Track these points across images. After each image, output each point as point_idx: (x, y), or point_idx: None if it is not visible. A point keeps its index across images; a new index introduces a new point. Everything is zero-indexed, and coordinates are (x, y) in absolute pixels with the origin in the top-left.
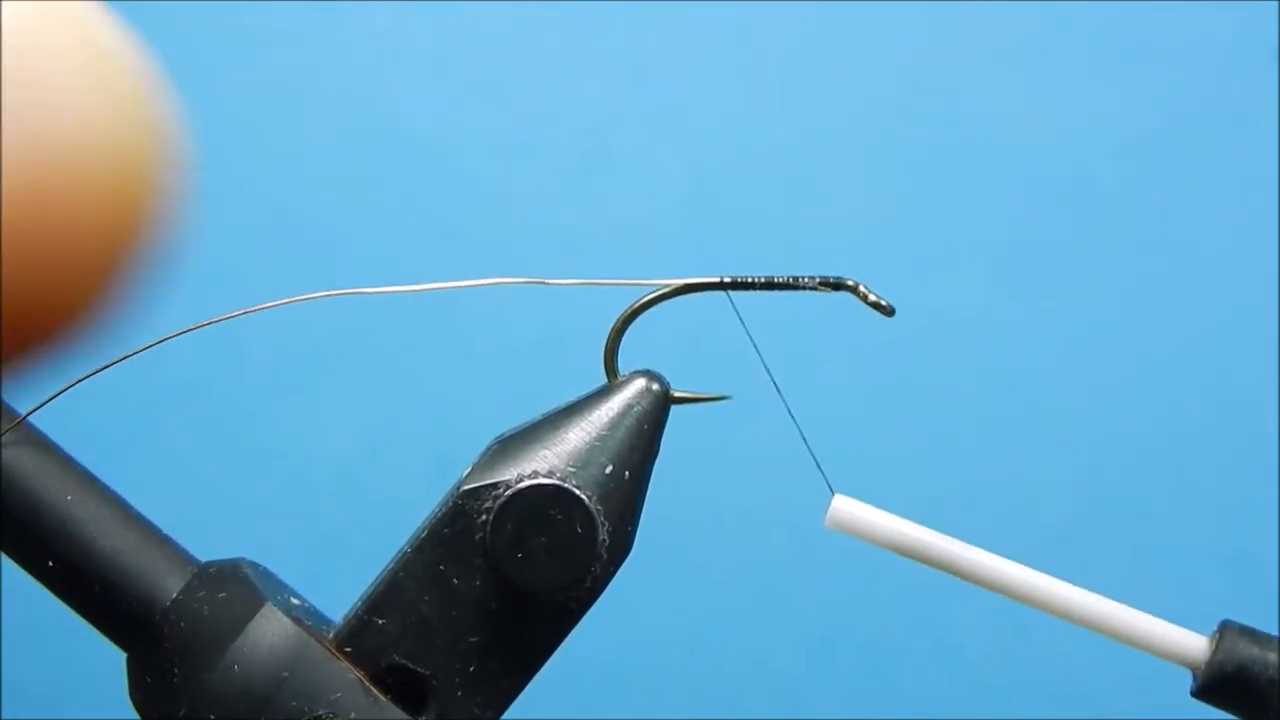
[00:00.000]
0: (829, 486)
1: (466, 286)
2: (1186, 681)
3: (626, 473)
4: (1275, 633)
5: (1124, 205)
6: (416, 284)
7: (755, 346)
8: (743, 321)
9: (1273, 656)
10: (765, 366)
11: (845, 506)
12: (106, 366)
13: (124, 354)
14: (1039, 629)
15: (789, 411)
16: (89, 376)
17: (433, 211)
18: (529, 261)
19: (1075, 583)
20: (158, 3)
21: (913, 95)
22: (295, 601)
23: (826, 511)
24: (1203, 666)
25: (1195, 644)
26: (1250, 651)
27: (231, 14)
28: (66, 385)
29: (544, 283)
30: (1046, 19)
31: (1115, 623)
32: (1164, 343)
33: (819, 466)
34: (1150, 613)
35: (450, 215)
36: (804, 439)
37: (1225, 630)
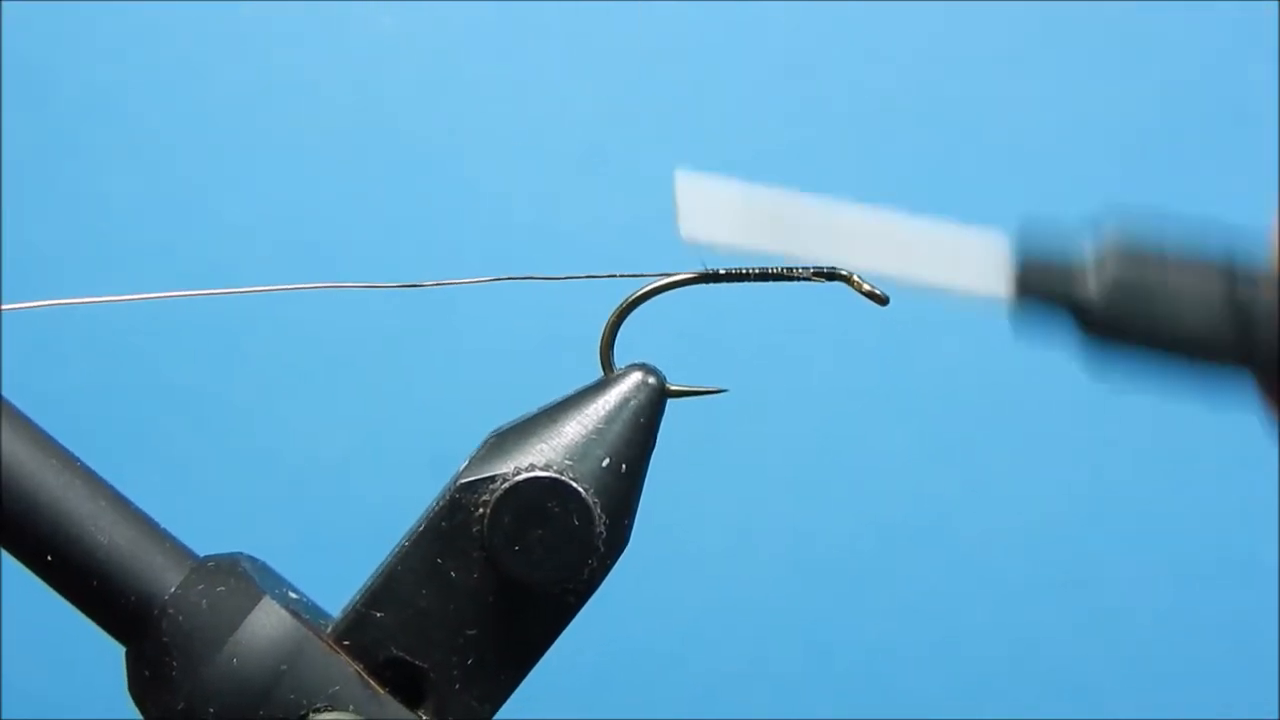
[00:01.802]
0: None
1: (467, 284)
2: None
3: (623, 466)
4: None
5: (1124, 205)
6: (416, 282)
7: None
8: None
9: (1074, 281)
10: None
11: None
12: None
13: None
14: (1039, 629)
15: None
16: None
17: (433, 211)
18: (527, 260)
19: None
20: (158, 3)
21: (913, 95)
22: (293, 595)
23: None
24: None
25: (996, 267)
26: (1050, 275)
27: (231, 14)
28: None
29: (544, 279)
30: (1047, 19)
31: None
32: None
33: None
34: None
35: (450, 215)
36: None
37: (1023, 257)
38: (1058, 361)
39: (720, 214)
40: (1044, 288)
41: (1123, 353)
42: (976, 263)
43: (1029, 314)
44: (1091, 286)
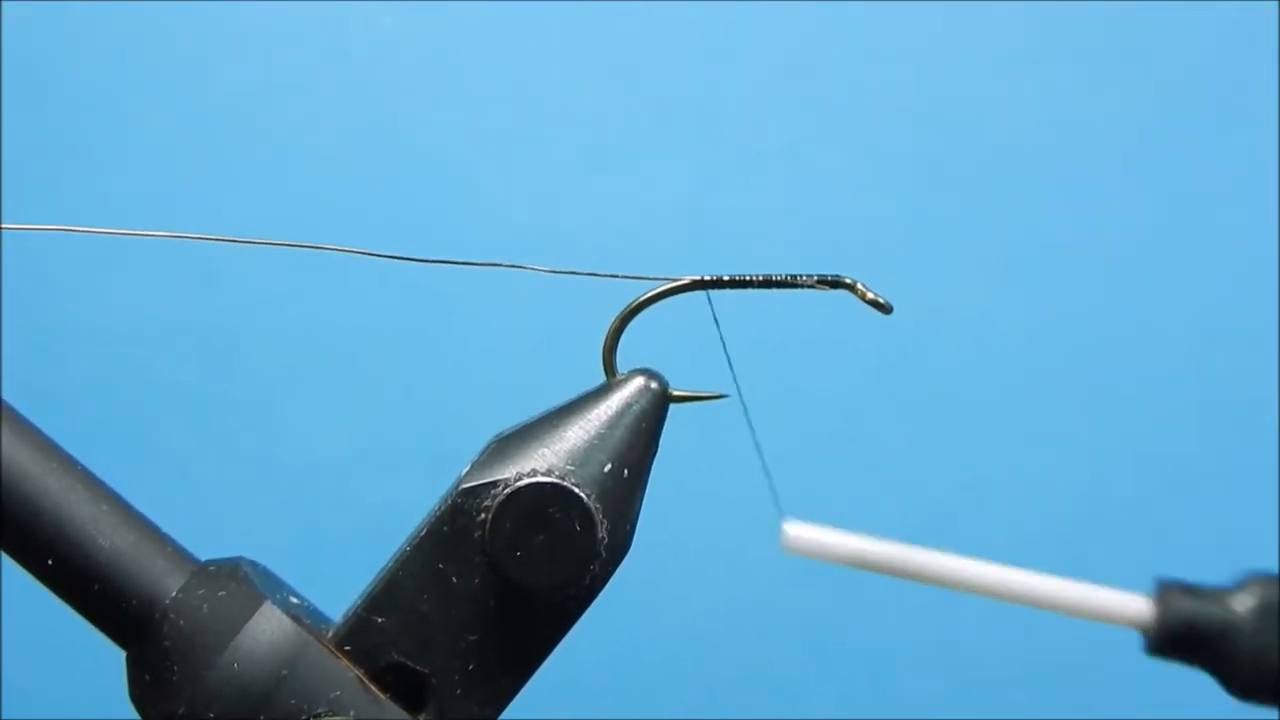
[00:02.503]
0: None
1: (462, 265)
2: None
3: (625, 471)
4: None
5: (1124, 205)
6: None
7: (726, 352)
8: (718, 323)
9: (1213, 607)
10: (734, 378)
11: (797, 532)
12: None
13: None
14: (1038, 629)
15: (751, 431)
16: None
17: (433, 211)
18: (529, 261)
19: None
20: (158, 3)
21: (913, 94)
22: (294, 600)
23: (781, 538)
24: (1152, 624)
25: (1139, 604)
26: (1191, 603)
27: (231, 14)
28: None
29: (544, 270)
30: (1047, 19)
31: (1064, 597)
32: (1164, 342)
33: (773, 492)
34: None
35: (450, 215)
36: (762, 461)
37: (1164, 589)
38: (1058, 361)
39: (825, 553)
40: (1187, 610)
41: (1270, 686)
42: (1117, 598)
43: (1170, 645)
44: (1237, 609)
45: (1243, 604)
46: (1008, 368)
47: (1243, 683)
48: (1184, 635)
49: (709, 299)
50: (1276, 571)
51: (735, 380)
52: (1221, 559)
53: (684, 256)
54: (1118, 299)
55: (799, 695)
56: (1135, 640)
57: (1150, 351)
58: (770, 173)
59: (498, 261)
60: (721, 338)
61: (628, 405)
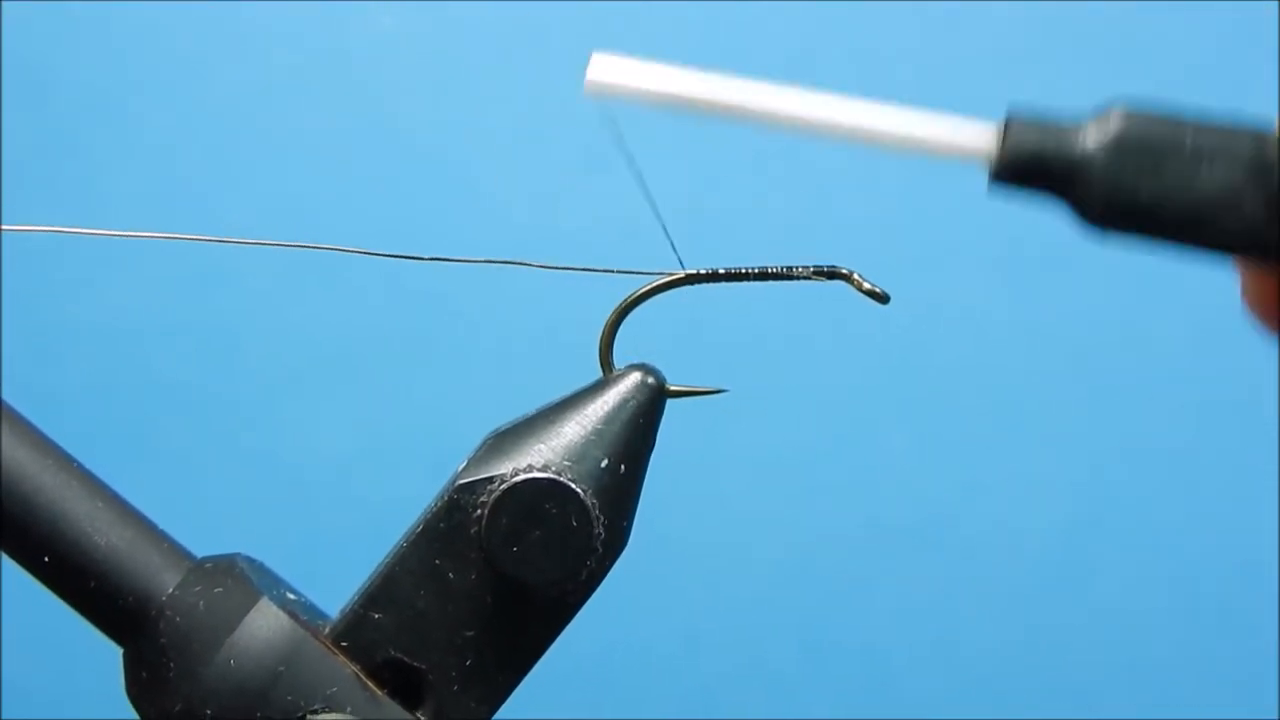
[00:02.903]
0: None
1: (459, 263)
2: None
3: (622, 467)
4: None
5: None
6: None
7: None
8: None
9: (1064, 138)
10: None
11: (602, 68)
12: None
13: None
14: (1038, 629)
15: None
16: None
17: (433, 210)
18: (527, 258)
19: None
20: (158, 3)
21: (913, 95)
22: (291, 596)
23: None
24: (995, 157)
25: (982, 134)
26: (1038, 135)
27: (231, 14)
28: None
29: (542, 266)
30: (1047, 19)
31: (897, 128)
32: (1164, 341)
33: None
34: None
35: (450, 214)
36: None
37: (1010, 120)
38: (1057, 362)
39: (637, 80)
40: (1034, 145)
41: (1121, 223)
42: (957, 127)
43: (1015, 177)
44: (1090, 142)
45: (1097, 137)
46: (1005, 363)
47: (1094, 216)
48: (1030, 167)
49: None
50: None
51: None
52: (1221, 559)
53: (683, 255)
54: (1117, 299)
55: (797, 694)
56: (1135, 637)
57: (1150, 351)
58: (770, 173)
59: (493, 258)
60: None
61: (624, 400)
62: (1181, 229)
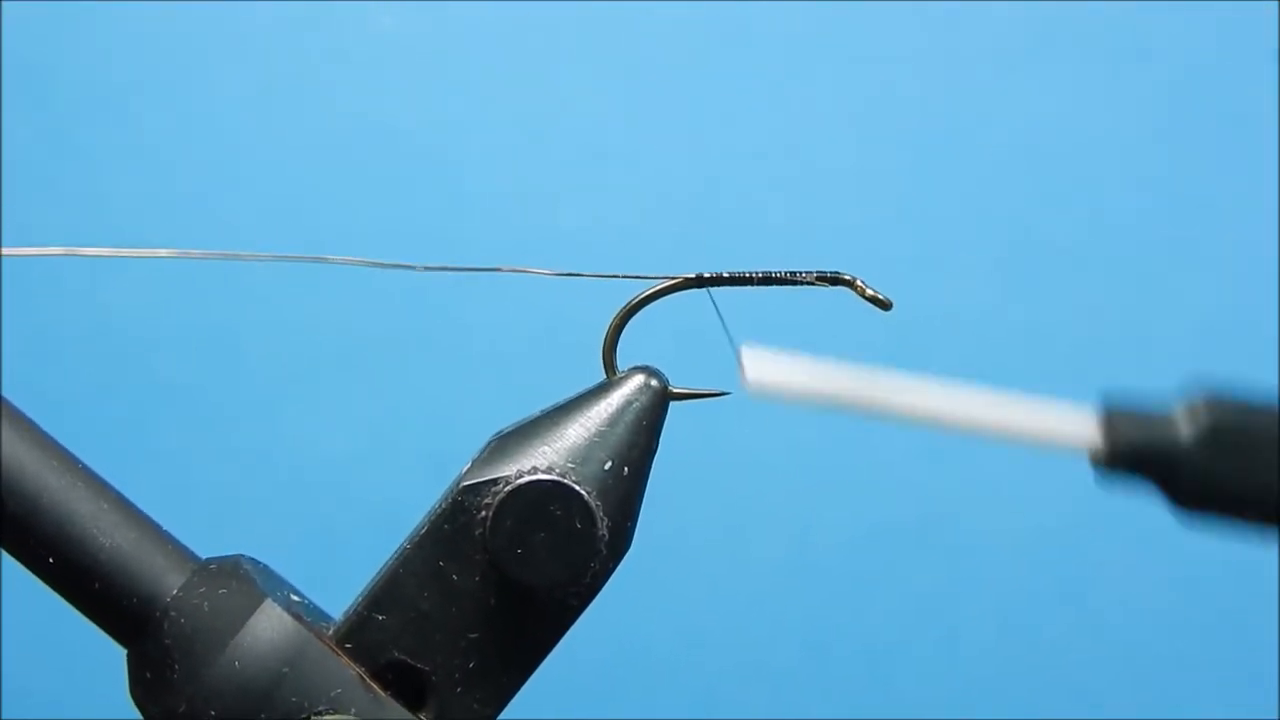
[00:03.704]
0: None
1: (460, 271)
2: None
3: (625, 469)
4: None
5: (1124, 205)
6: (414, 282)
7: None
8: (719, 311)
9: (1160, 431)
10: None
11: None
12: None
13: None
14: (1038, 629)
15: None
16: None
17: (432, 211)
18: (529, 260)
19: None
20: (158, 3)
21: (913, 95)
22: (295, 598)
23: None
24: (1098, 450)
25: (1085, 427)
26: (1137, 429)
27: (231, 14)
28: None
29: (542, 273)
30: (1047, 19)
31: (1005, 421)
32: (1164, 341)
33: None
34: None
35: (450, 214)
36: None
37: (1110, 412)
38: (1057, 362)
39: (789, 379)
40: (1133, 440)
41: (1211, 512)
42: (1061, 419)
43: (1116, 467)
44: (1184, 435)
45: (1190, 427)
46: (1006, 363)
47: (1189, 504)
48: (1130, 461)
49: (709, 294)
50: (1221, 389)
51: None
52: (1221, 559)
53: (684, 256)
54: (1117, 298)
55: (799, 694)
56: (1135, 637)
57: (1150, 351)
58: (770, 173)
59: (499, 266)
60: (723, 322)
61: (628, 403)
62: (1270, 517)
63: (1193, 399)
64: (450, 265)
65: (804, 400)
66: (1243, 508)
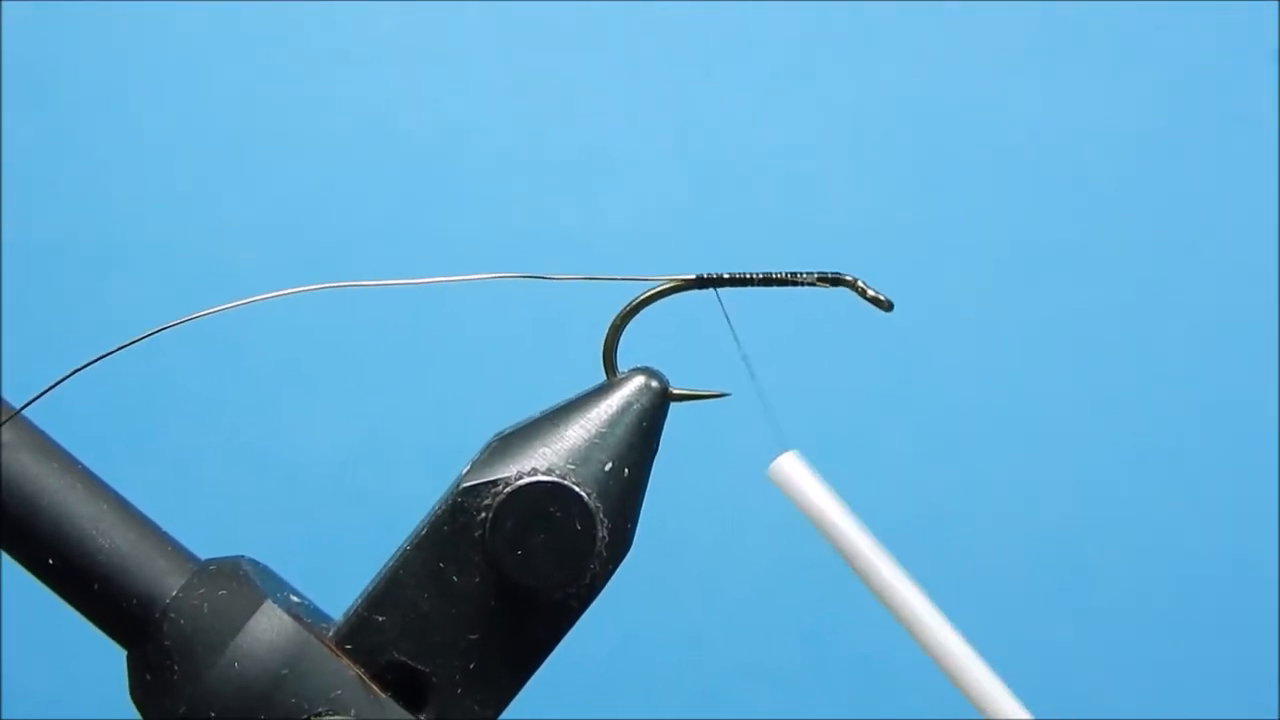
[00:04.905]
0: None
1: (464, 281)
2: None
3: (626, 470)
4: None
5: (1124, 205)
6: (415, 280)
7: (735, 337)
8: (727, 317)
9: None
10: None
11: (789, 465)
12: (100, 358)
13: (118, 346)
14: (1038, 629)
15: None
16: (84, 368)
17: (432, 211)
18: (529, 261)
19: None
20: (158, 3)
21: (913, 95)
22: (295, 599)
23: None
24: None
25: None
26: None
27: (231, 14)
28: (61, 378)
29: (544, 278)
30: (1047, 19)
31: (970, 677)
32: (1164, 341)
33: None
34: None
35: (450, 215)
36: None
37: None
38: (1057, 362)
39: (803, 493)
40: None
41: None
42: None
43: None
44: None
45: None
46: (1006, 363)
47: None
48: None
49: (717, 295)
50: None
51: (748, 367)
52: (1222, 559)
53: (684, 256)
54: (1117, 298)
55: (798, 694)
56: (1135, 637)
57: (1150, 351)
58: (770, 173)
59: (502, 274)
60: (732, 330)
61: (628, 404)
62: None
63: None
64: (454, 277)
65: (803, 512)
66: None
